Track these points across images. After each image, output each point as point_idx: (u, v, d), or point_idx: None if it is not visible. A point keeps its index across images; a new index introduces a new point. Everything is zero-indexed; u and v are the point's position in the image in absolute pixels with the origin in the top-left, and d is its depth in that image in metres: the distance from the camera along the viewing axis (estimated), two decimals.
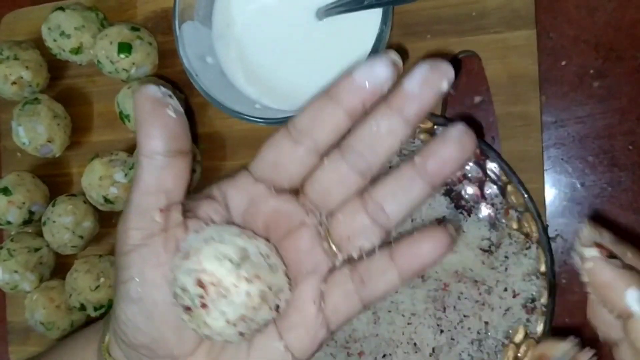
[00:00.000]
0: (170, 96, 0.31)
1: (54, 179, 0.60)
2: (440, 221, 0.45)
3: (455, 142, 0.30)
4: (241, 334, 0.30)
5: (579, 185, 0.47)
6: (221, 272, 0.29)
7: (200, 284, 0.29)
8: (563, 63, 0.47)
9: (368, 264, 0.32)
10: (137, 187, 0.31)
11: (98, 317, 0.55)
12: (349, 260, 0.33)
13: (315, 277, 0.32)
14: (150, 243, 0.31)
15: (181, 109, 0.31)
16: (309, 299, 0.32)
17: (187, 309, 0.29)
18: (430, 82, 0.29)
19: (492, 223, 0.45)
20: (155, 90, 0.31)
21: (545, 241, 0.43)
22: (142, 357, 0.33)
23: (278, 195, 0.33)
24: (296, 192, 0.33)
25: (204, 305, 0.29)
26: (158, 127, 0.30)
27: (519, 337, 0.43)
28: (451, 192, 0.46)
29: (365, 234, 0.32)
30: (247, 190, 0.33)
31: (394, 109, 0.30)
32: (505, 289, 0.44)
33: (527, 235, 0.44)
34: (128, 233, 0.31)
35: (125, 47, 0.53)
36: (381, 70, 0.30)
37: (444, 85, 0.29)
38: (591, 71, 0.47)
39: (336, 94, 0.31)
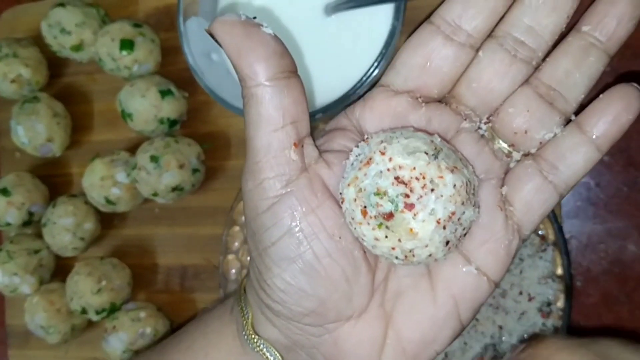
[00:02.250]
0: (254, 17, 0.27)
1: (54, 179, 0.59)
2: None
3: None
4: (447, 242, 0.26)
5: (593, 185, 0.46)
6: (420, 165, 0.25)
7: (401, 181, 0.25)
8: None
9: (554, 147, 0.29)
10: (258, 127, 0.27)
11: (104, 319, 0.54)
12: (526, 155, 0.29)
13: (491, 183, 0.29)
14: (295, 188, 0.27)
15: (269, 27, 0.27)
16: (493, 206, 0.28)
17: (388, 217, 0.25)
18: None
19: None
20: (236, 15, 0.27)
21: (562, 243, 0.42)
22: (306, 327, 0.29)
23: (427, 105, 0.29)
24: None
25: (409, 206, 0.25)
26: (262, 49, 0.26)
27: None
28: None
29: (544, 123, 0.29)
30: (387, 107, 0.29)
31: None
32: (520, 293, 0.43)
33: (542, 237, 0.43)
34: (264, 185, 0.27)
35: (127, 44, 0.51)
36: None
37: None
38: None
39: None
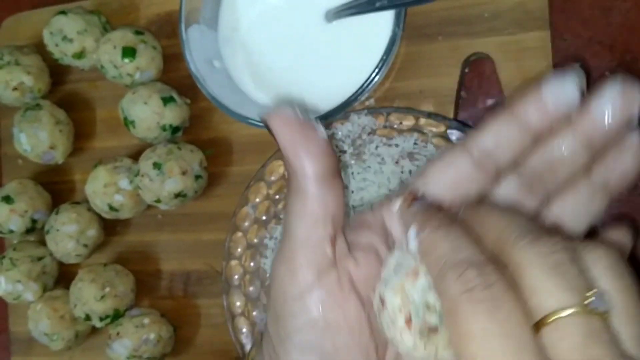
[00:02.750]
0: (308, 113, 0.29)
1: (57, 186, 0.59)
2: None
3: (636, 152, 0.29)
4: None
5: None
6: None
7: None
8: (577, 65, 0.46)
9: None
10: (301, 219, 0.29)
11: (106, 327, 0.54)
12: None
13: None
14: (325, 282, 0.28)
15: (321, 126, 0.29)
16: None
17: (432, 330, 0.27)
18: (621, 110, 0.28)
19: None
20: (294, 112, 0.29)
21: None
22: None
23: None
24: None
25: None
26: (315, 148, 0.28)
27: None
28: None
29: None
30: None
31: (581, 135, 0.29)
32: None
33: None
34: (299, 272, 0.28)
35: (129, 52, 0.52)
36: (572, 90, 0.28)
37: (635, 112, 0.28)
38: (606, 73, 0.46)
39: (524, 115, 0.29)
